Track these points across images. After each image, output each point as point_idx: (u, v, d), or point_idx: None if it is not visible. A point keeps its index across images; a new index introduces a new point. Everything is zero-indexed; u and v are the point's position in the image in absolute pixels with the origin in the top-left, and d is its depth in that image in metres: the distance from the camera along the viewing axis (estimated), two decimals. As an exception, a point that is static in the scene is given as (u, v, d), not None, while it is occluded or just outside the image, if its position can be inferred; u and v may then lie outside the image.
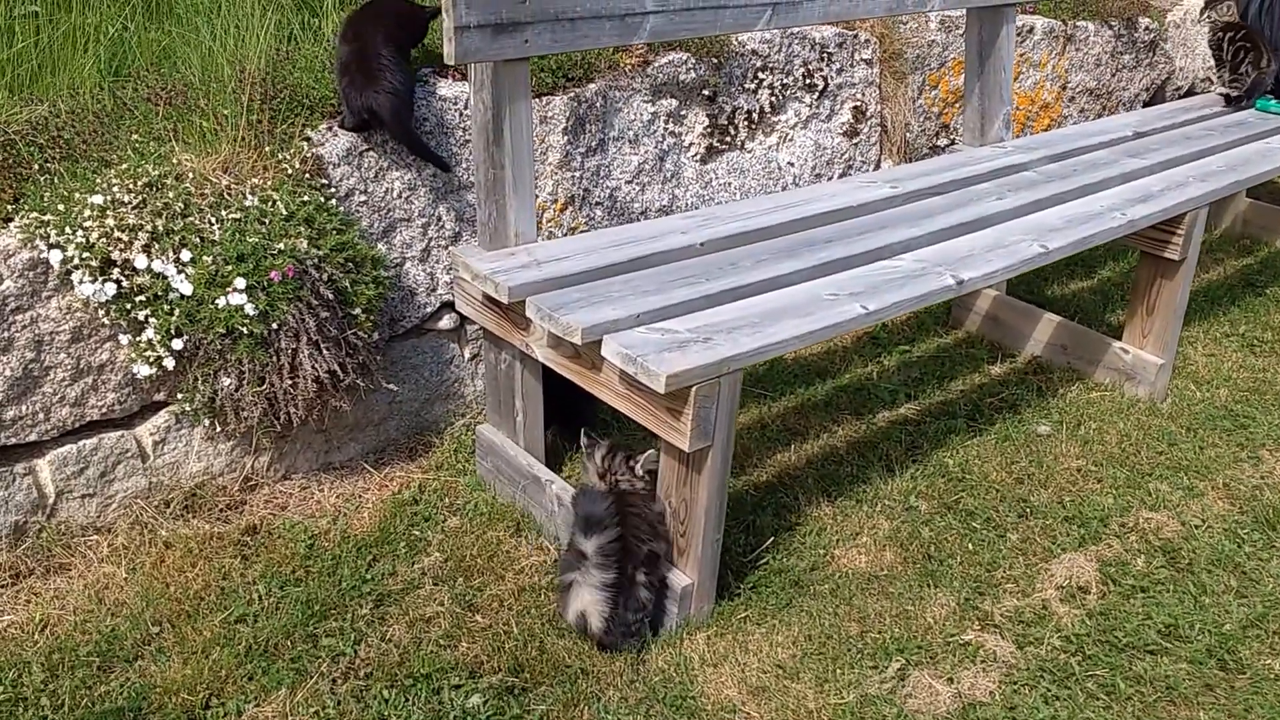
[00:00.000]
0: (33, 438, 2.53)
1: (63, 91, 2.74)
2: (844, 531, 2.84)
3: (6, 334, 2.42)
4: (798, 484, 3.01)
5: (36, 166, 2.50)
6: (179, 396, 2.66)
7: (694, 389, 2.19)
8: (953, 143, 4.11)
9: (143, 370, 2.54)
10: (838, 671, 2.41)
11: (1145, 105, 4.74)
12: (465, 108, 2.93)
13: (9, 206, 2.44)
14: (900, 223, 2.93)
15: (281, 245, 2.53)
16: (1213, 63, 4.28)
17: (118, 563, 2.60)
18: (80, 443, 2.61)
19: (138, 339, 2.53)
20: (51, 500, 2.60)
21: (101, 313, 2.49)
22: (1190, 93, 4.90)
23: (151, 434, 2.70)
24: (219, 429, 2.72)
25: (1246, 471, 3.16)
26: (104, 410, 2.61)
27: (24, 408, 2.49)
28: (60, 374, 2.51)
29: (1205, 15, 4.24)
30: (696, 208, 3.48)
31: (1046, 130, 4.28)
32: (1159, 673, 2.44)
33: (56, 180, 2.50)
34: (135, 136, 2.65)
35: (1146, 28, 4.53)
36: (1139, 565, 2.76)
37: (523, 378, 2.78)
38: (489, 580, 2.62)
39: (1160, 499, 3.02)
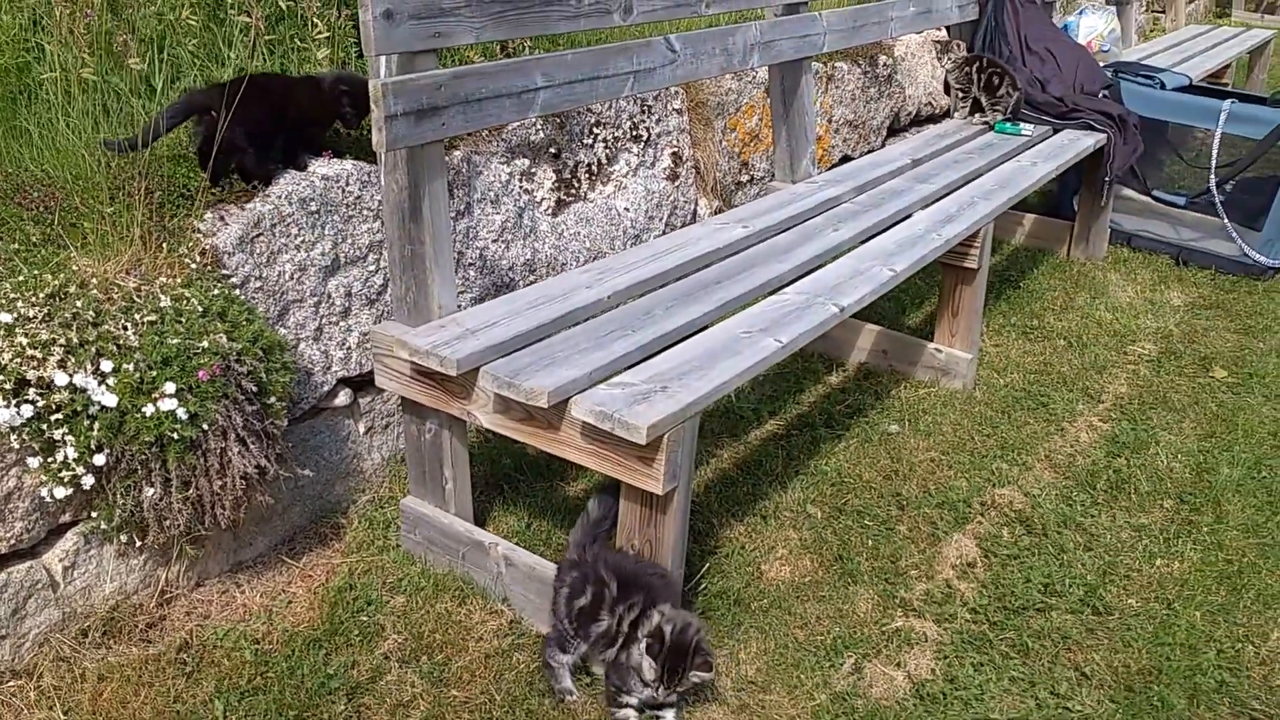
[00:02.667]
0: (-61, 582, 2.21)
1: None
2: (761, 547, 2.94)
3: (-93, 474, 2.10)
4: (706, 509, 3.08)
5: (-82, 288, 2.19)
6: (92, 515, 2.38)
7: (666, 436, 2.22)
8: (752, 179, 4.33)
9: (58, 492, 2.26)
10: (802, 677, 2.51)
11: (889, 130, 5.18)
12: (348, 185, 2.81)
13: (-106, 335, 2.12)
14: (767, 260, 3.07)
15: (205, 343, 2.32)
16: (955, 93, 4.75)
17: (50, 706, 2.28)
18: (-12, 581, 2.30)
19: (50, 460, 2.25)
20: (-38, 649, 2.27)
21: (12, 437, 2.21)
22: (917, 116, 5.39)
23: (60, 559, 2.39)
24: (136, 543, 2.45)
25: (1058, 443, 3.53)
26: (12, 542, 2.29)
27: (-71, 552, 2.17)
28: (-35, 509, 2.20)
29: (943, 58, 4.68)
30: (556, 259, 3.49)
31: (821, 159, 4.59)
32: (1052, 625, 2.71)
33: (-56, 301, 2.19)
34: (14, 246, 2.36)
35: (884, 64, 4.95)
36: (1006, 536, 3.04)
37: (451, 445, 2.69)
38: (452, 654, 2.52)
39: (1002, 476, 3.32)
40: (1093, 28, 6.19)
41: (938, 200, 3.73)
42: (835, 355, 4.01)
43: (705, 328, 2.68)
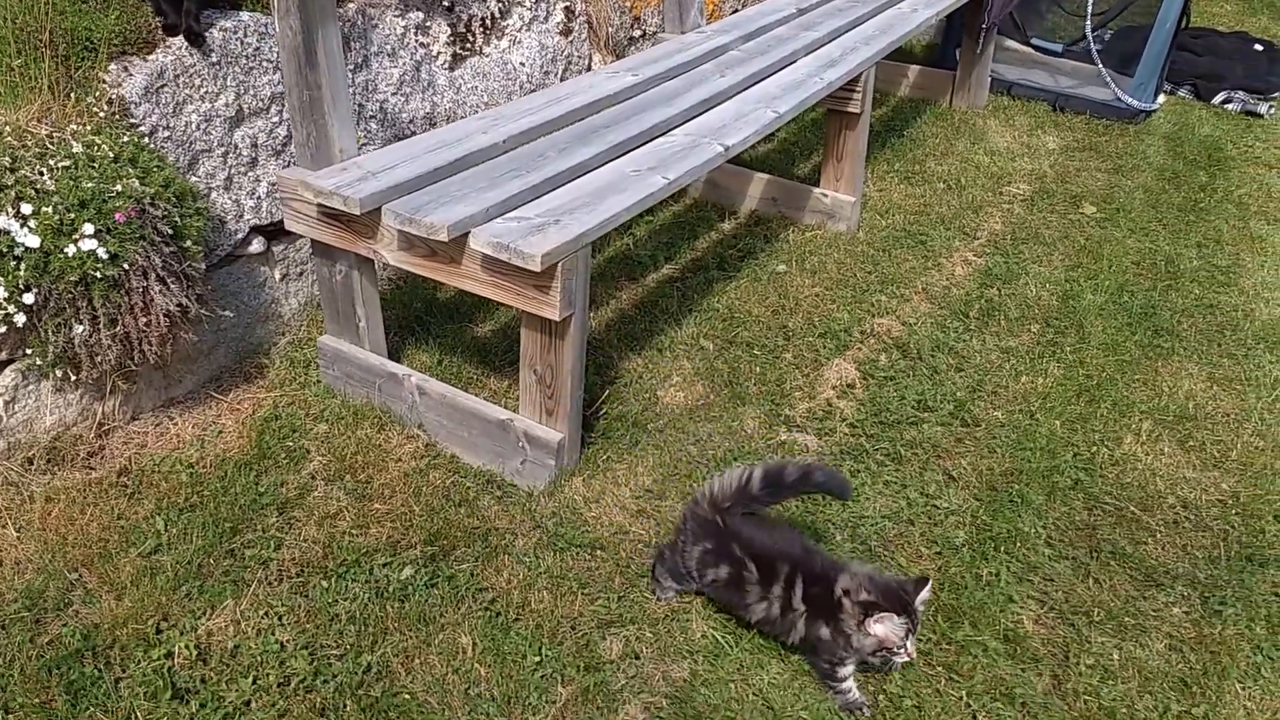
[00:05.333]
0: (-115, 418, 2.40)
1: None
2: (658, 375, 3.24)
3: None
4: (607, 345, 3.36)
5: None
6: (27, 352, 2.58)
7: (560, 264, 2.46)
8: (644, 34, 4.50)
9: (-9, 332, 2.46)
10: (694, 484, 2.81)
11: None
12: (246, 37, 2.95)
13: None
14: (656, 105, 3.28)
15: (119, 187, 2.50)
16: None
17: (3, 525, 2.53)
18: (-69, 417, 2.50)
19: (-19, 300, 2.44)
20: (-89, 480, 2.48)
21: (-57, 280, 2.38)
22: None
23: (1, 394, 2.60)
24: (72, 378, 2.66)
25: (934, 277, 3.85)
26: (-49, 380, 2.50)
27: (-127, 389, 2.35)
28: (-96, 349, 2.39)
29: None
30: (455, 113, 3.67)
31: (712, 13, 4.77)
32: (924, 436, 3.05)
33: None
34: (-74, 98, 2.49)
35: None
36: (884, 361, 3.36)
37: (361, 285, 2.91)
38: (374, 473, 2.79)
39: (881, 307, 3.64)
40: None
41: (821, 46, 3.95)
42: (728, 205, 4.28)
43: (596, 168, 2.91)
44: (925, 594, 2.20)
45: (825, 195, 4.06)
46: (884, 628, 2.16)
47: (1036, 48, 5.39)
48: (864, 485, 2.85)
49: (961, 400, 3.19)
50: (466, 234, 2.51)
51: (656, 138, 3.12)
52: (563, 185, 2.79)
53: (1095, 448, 3.03)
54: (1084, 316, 3.65)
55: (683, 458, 2.90)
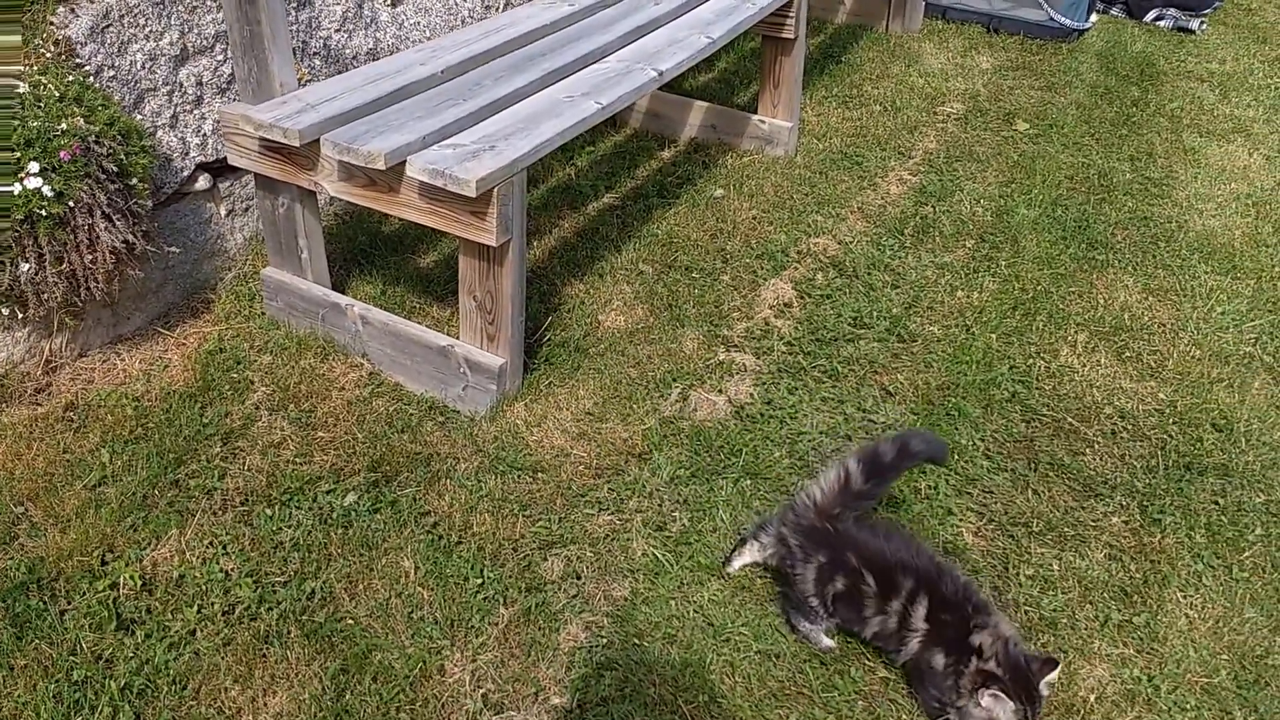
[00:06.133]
0: None
1: None
2: (599, 301, 3.24)
3: None
4: (549, 273, 3.35)
5: None
6: (-30, 291, 2.55)
7: (495, 190, 2.45)
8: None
9: (-67, 270, 2.42)
10: (634, 406, 2.84)
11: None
12: (180, -29, 2.88)
13: None
14: (592, 33, 3.24)
15: (64, 125, 2.45)
16: None
17: (-51, 462, 2.52)
18: (-126, 356, 2.47)
19: (-79, 240, 2.40)
20: None
21: (-122, 220, 2.34)
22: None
23: (-57, 335, 2.58)
24: (19, 315, 2.62)
25: (870, 196, 3.86)
26: (-109, 320, 2.47)
27: None
28: None
29: None
30: (398, 48, 3.60)
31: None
32: (860, 353, 3.07)
33: None
34: None
35: None
36: (820, 280, 3.38)
37: (304, 217, 2.88)
38: (317, 402, 2.79)
39: (817, 227, 3.65)
40: None
41: (757, -27, 3.90)
42: (668, 134, 4.25)
43: (531, 95, 2.87)
44: (1052, 677, 1.99)
45: (763, 121, 4.04)
46: (995, 708, 1.97)
47: (971, -29, 5.38)
48: (802, 402, 2.88)
49: (897, 317, 3.22)
50: (403, 162, 2.49)
51: (591, 64, 3.08)
52: (498, 113, 2.76)
53: (1032, 360, 3.06)
54: (1018, 231, 3.68)
55: (623, 380, 2.92)
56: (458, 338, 2.81)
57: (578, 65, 3.05)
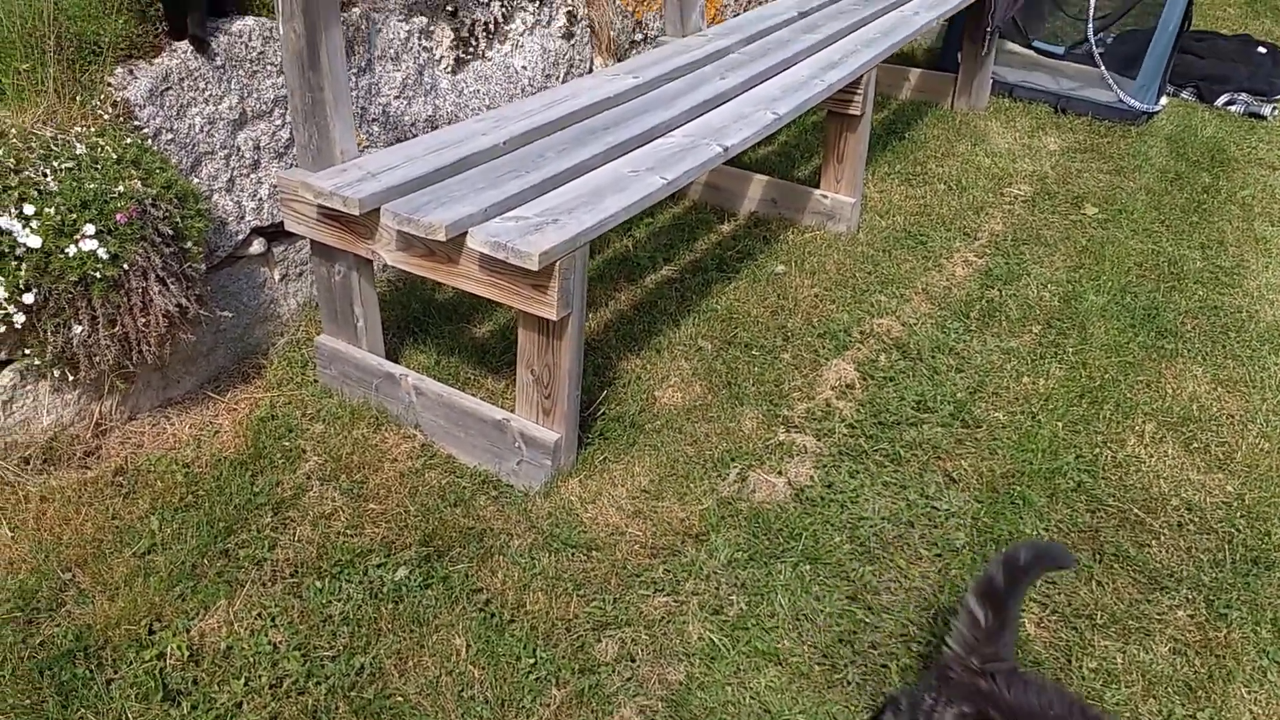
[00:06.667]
0: (-119, 418, 2.37)
1: None
2: (656, 376, 3.19)
3: None
4: (605, 346, 3.31)
5: None
6: (26, 352, 2.55)
7: (558, 264, 2.43)
8: (646, 39, 4.46)
9: (-11, 331, 2.43)
10: (691, 485, 2.78)
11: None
12: (251, 41, 2.91)
13: None
14: (655, 107, 3.24)
15: (121, 188, 2.47)
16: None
17: (-3, 525, 2.51)
18: (-72, 419, 2.47)
19: (-20, 300, 2.41)
20: (-92, 479, 2.45)
21: (-60, 279, 2.35)
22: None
23: (-2, 395, 2.58)
24: (70, 378, 2.63)
25: (935, 278, 3.80)
26: (-53, 378, 2.47)
27: None
28: (-99, 348, 2.36)
29: None
30: (457, 115, 3.63)
31: (714, 18, 4.73)
32: (924, 437, 3.00)
33: None
34: (-71, 99, 2.46)
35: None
36: (883, 361, 3.31)
37: (360, 285, 2.88)
38: (369, 473, 2.75)
39: (881, 308, 3.59)
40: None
41: (823, 49, 3.90)
42: (728, 207, 4.23)
43: (595, 169, 2.86)
44: None
45: (825, 197, 4.01)
46: None
47: (1038, 50, 5.34)
48: (863, 486, 2.81)
49: (962, 401, 3.15)
50: (464, 233, 2.48)
51: (655, 139, 3.07)
52: (561, 185, 2.75)
53: (1098, 449, 2.98)
54: (1086, 317, 3.60)
55: (680, 458, 2.86)
56: (513, 411, 2.77)
57: (642, 139, 3.04)
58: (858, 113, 3.81)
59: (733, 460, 2.87)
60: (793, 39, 3.94)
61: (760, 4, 5.15)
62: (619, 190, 2.71)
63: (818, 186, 4.06)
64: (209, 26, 2.85)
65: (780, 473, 2.85)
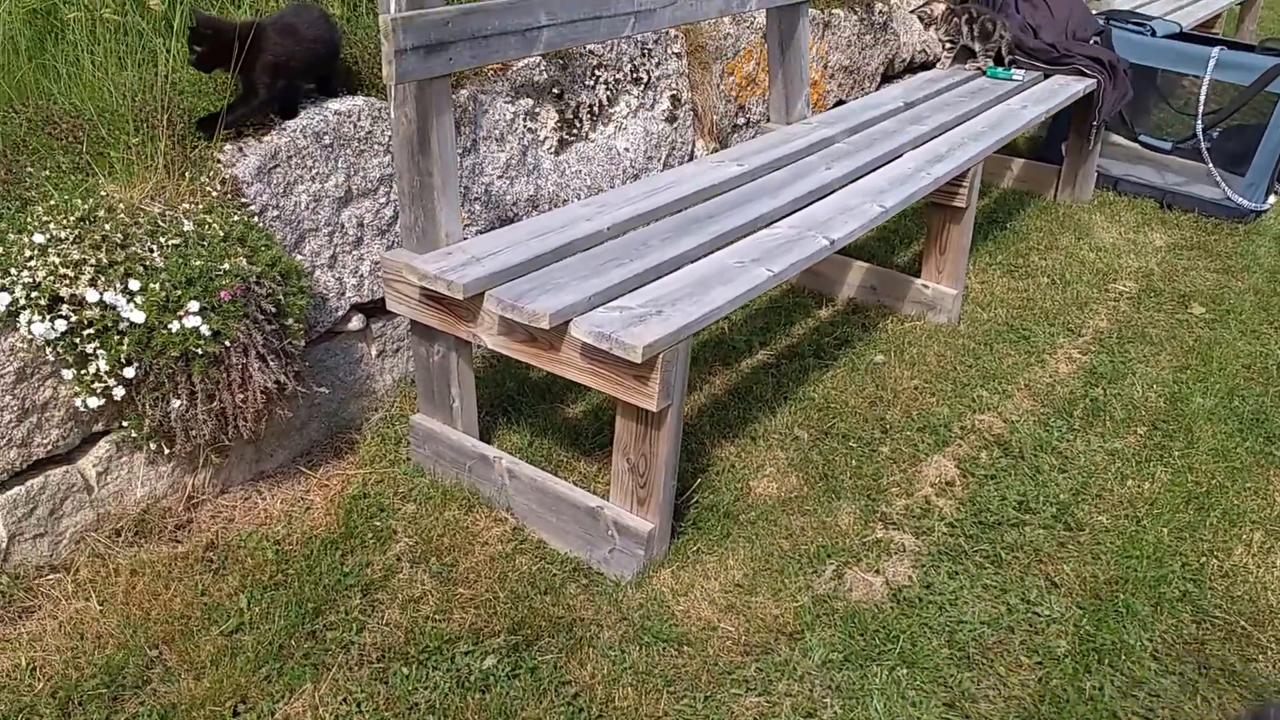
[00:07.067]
0: (-17, 483, 2.36)
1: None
2: (750, 465, 3.08)
3: (-46, 382, 2.24)
4: (699, 431, 3.21)
5: (-40, 209, 2.31)
6: (122, 424, 2.53)
7: (661, 356, 2.34)
8: (749, 123, 4.41)
9: (91, 403, 2.40)
10: (786, 581, 2.65)
11: (883, 76, 5.24)
12: (359, 120, 2.92)
13: (-63, 253, 2.24)
14: (760, 196, 3.17)
15: (226, 265, 2.45)
16: (943, 44, 4.82)
17: (87, 597, 2.45)
18: (28, 483, 2.44)
19: (83, 372, 2.39)
20: (5, 545, 2.42)
21: (48, 350, 2.34)
22: (911, 63, 5.45)
23: (94, 465, 2.54)
24: (165, 451, 2.60)
25: (1038, 373, 3.64)
26: (49, 448, 2.45)
27: (-26, 455, 2.31)
28: (7, 416, 2.34)
29: (930, 27, 4.76)
30: (558, 195, 3.60)
31: (816, 104, 4.67)
32: (1025, 539, 2.84)
33: (-18, 222, 2.31)
34: (46, 172, 2.48)
35: (880, 11, 5.00)
36: (984, 458, 3.16)
37: (458, 366, 2.83)
38: (459, 556, 2.67)
39: (982, 403, 3.44)
40: (1087, -24, 6.22)
41: (929, 141, 3.81)
42: (826, 292, 4.13)
43: (699, 259, 2.79)
44: None
45: (926, 287, 3.89)
46: None
47: (1144, 144, 5.19)
48: (963, 589, 2.65)
49: (1065, 503, 2.98)
50: (568, 322, 2.41)
51: (761, 229, 2.99)
52: (665, 275, 2.67)
53: (1204, 558, 2.80)
54: (1193, 420, 3.41)
55: (774, 552, 2.74)
56: (606, 498, 2.68)
57: (747, 229, 2.97)
58: (963, 205, 3.69)
59: (829, 556, 2.74)
60: (898, 130, 3.86)
61: (864, 92, 5.10)
62: (724, 282, 2.63)
63: (918, 275, 3.94)
64: (321, 104, 2.88)
65: (877, 571, 2.71)
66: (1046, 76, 4.79)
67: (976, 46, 4.71)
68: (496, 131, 3.33)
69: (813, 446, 3.19)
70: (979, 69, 4.75)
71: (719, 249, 2.85)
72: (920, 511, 2.93)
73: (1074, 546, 2.83)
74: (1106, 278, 4.43)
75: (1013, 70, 4.68)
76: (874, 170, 3.50)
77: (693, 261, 2.77)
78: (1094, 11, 5.43)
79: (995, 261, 4.49)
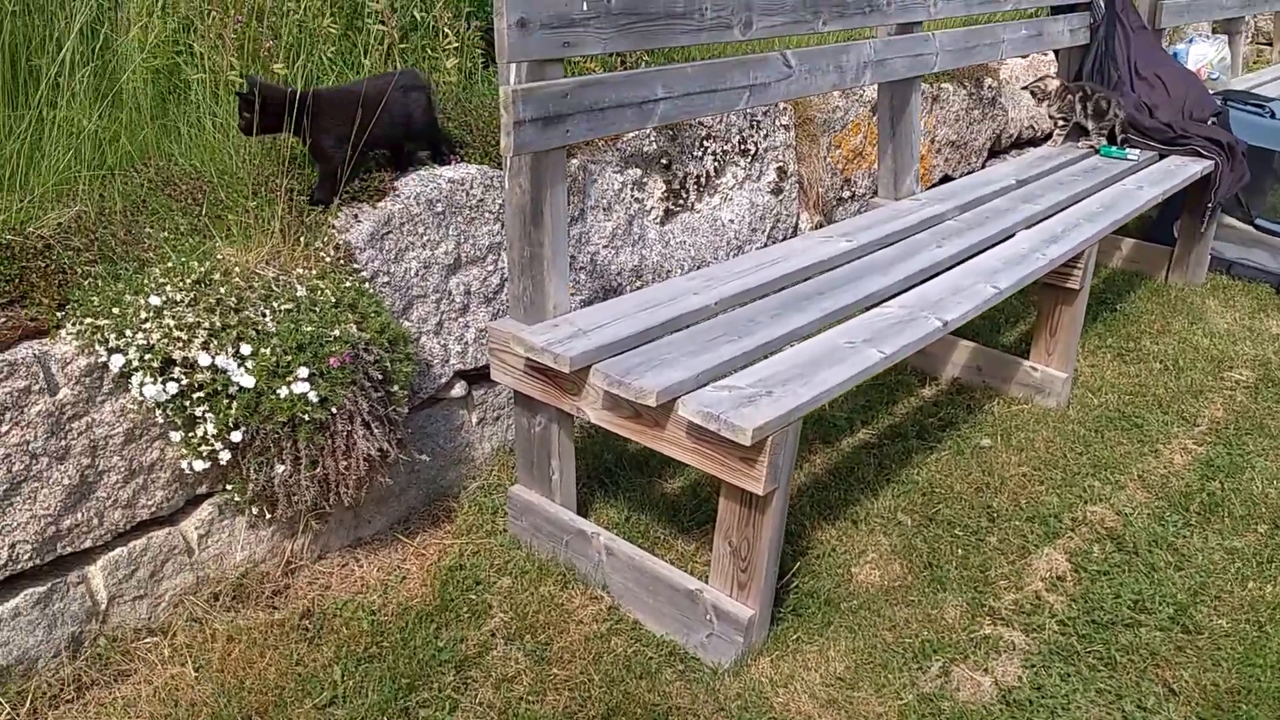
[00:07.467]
0: (87, 544, 2.33)
1: (47, 188, 2.53)
2: (852, 550, 2.95)
3: (64, 443, 2.22)
4: (798, 511, 3.09)
5: (79, 271, 2.31)
6: (227, 488, 2.50)
7: (770, 438, 2.25)
8: (854, 195, 4.32)
9: (197, 465, 2.37)
10: (890, 676, 2.51)
11: (990, 152, 5.12)
12: (472, 189, 2.89)
13: (57, 314, 2.24)
14: (870, 273, 3.07)
15: (337, 332, 2.42)
16: (1055, 122, 4.69)
17: (182, 663, 2.40)
18: (130, 544, 2.41)
19: (190, 435, 2.37)
20: (104, 607, 2.39)
21: (158, 412, 2.33)
22: (1018, 139, 5.32)
23: (196, 527, 2.51)
24: (266, 516, 2.57)
25: (1152, 464, 3.45)
26: (153, 509, 2.42)
27: (79, 515, 2.29)
28: (114, 477, 2.32)
29: (1042, 104, 4.64)
30: (662, 266, 3.54)
31: (922, 178, 4.56)
32: (1141, 641, 2.65)
33: (101, 283, 2.31)
34: (164, 234, 2.48)
35: (989, 86, 4.90)
36: (1096, 552, 2.98)
37: (559, 438, 2.76)
38: (554, 634, 2.58)
39: (1094, 494, 3.26)
40: (1203, 55, 6.04)
41: (1042, 220, 3.67)
42: (929, 369, 3.99)
43: (808, 337, 2.70)
44: None
45: (1035, 369, 3.73)
46: None
47: (1260, 228, 4.96)
48: (1075, 692, 2.48)
49: (1182, 604, 2.78)
50: (674, 400, 2.33)
51: (871, 308, 2.89)
52: (775, 353, 2.58)
53: (1334, 672, 2.58)
54: (1318, 520, 3.20)
55: (878, 644, 2.59)
56: (706, 580, 2.57)
57: (857, 308, 2.87)
58: (1076, 287, 3.54)
59: (934, 652, 2.59)
60: (1010, 208, 3.73)
61: (970, 167, 4.98)
62: (835, 363, 2.52)
63: (1026, 356, 3.79)
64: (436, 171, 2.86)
65: (986, 670, 2.54)
66: (1162, 157, 4.61)
67: (1090, 124, 4.57)
68: (604, 201, 3.29)
69: (917, 533, 3.04)
70: (1092, 147, 4.60)
71: (829, 327, 2.75)
72: (1030, 607, 2.77)
73: (1192, 651, 2.64)
74: (1221, 365, 4.21)
75: (1127, 150, 4.52)
76: (986, 249, 3.37)
77: (802, 339, 2.67)
78: (1211, 91, 5.25)
79: (1105, 344, 4.30)
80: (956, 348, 3.89)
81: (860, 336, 2.68)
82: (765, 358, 2.56)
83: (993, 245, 3.42)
